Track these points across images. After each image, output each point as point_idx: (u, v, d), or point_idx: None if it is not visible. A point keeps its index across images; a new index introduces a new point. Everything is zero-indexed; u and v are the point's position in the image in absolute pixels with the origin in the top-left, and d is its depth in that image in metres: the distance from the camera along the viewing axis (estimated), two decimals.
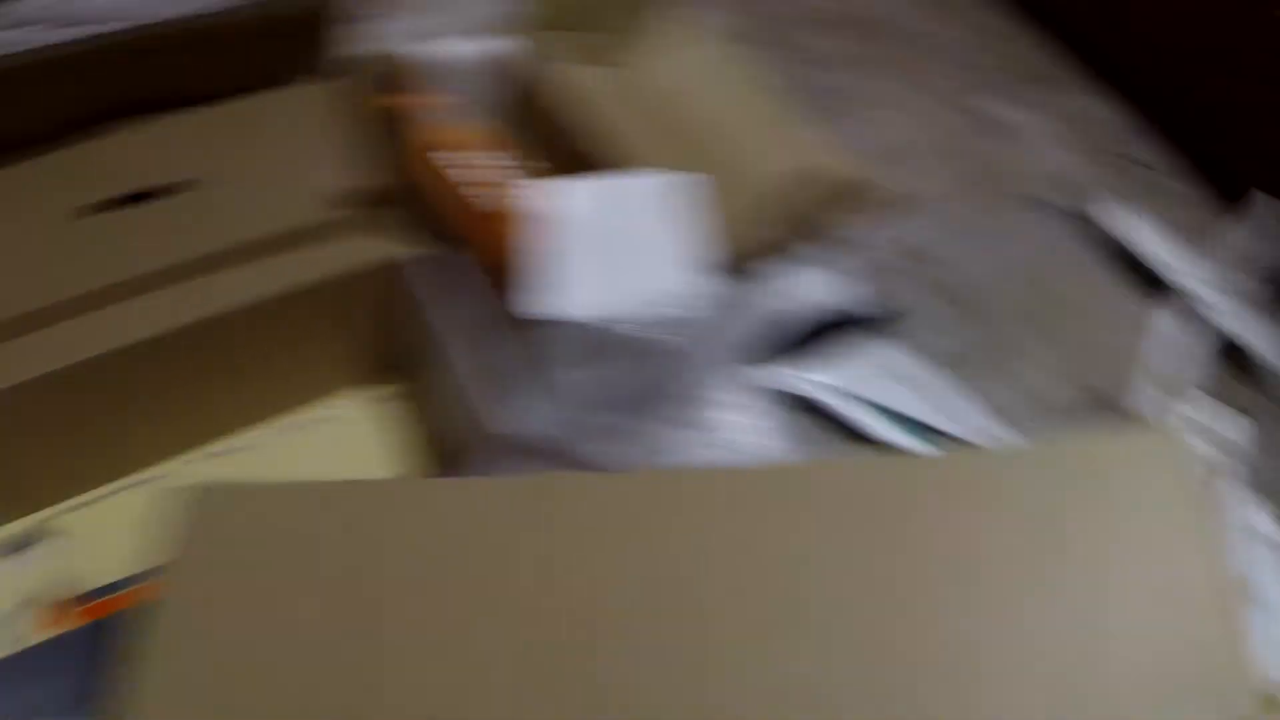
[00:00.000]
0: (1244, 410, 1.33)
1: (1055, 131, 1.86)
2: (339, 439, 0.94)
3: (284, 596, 0.42)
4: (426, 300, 0.82)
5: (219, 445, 0.93)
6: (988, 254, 1.44)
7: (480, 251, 0.90)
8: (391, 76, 1.13)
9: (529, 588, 0.42)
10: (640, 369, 0.82)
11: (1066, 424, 1.24)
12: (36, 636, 0.80)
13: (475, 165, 0.95)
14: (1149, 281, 1.55)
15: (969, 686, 0.42)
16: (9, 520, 0.87)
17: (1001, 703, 0.42)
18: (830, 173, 1.03)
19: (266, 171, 0.89)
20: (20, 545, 0.86)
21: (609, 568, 0.43)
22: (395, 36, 1.40)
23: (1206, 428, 1.28)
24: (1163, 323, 1.45)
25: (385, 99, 1.03)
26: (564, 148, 1.13)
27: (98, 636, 0.68)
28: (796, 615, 0.43)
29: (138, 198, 0.85)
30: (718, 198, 1.00)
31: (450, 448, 0.91)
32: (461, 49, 1.13)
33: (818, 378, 1.04)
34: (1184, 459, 0.52)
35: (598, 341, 0.80)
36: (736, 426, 0.88)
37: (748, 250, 0.99)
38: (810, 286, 1.13)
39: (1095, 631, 0.45)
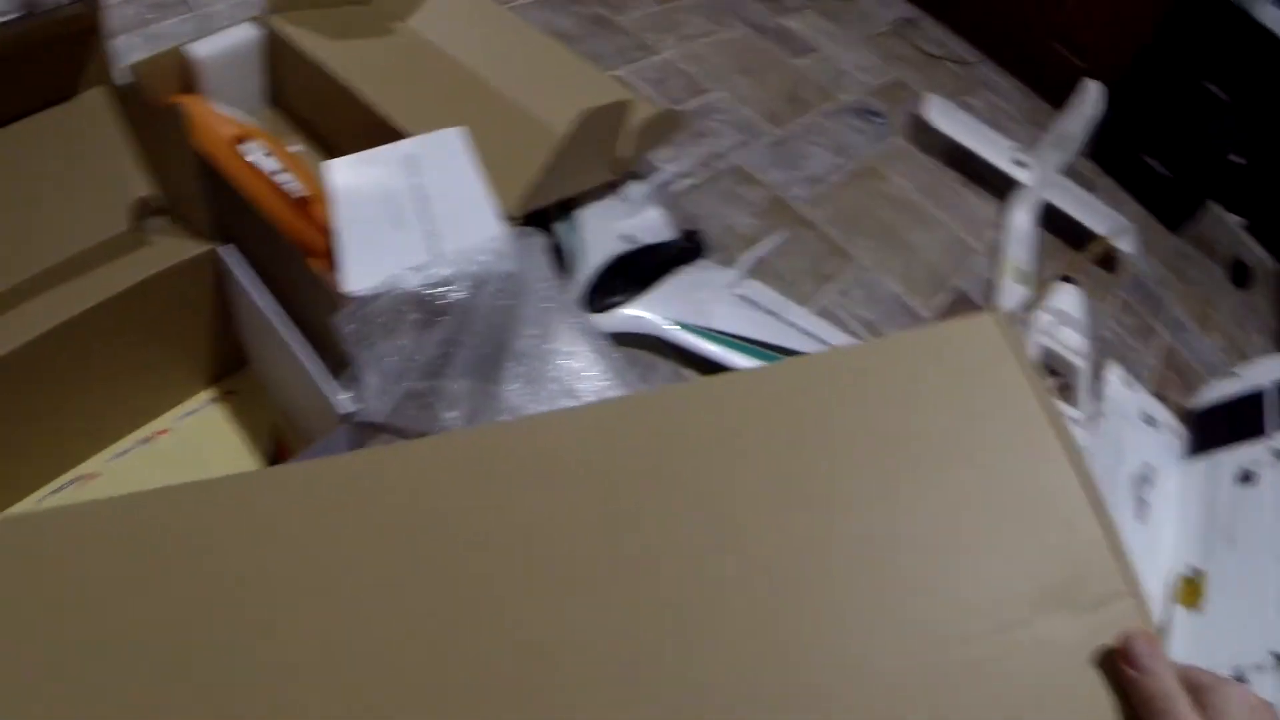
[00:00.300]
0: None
1: (866, 39, 1.92)
2: (189, 446, 0.92)
3: (101, 613, 0.41)
4: (252, 289, 0.80)
5: (65, 478, 0.90)
6: (809, 164, 1.48)
7: (298, 237, 0.89)
8: (168, 77, 1.10)
9: (377, 565, 0.41)
10: (464, 330, 0.83)
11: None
12: None
13: (271, 154, 0.94)
14: (981, 175, 1.61)
15: (824, 614, 0.42)
16: None
17: (863, 627, 0.42)
18: (619, 108, 1.04)
19: (63, 190, 0.86)
20: None
21: (458, 534, 0.42)
22: (175, 37, 1.37)
23: (1066, 313, 1.34)
24: (1011, 215, 1.51)
25: (167, 100, 1.01)
26: (337, 123, 1.12)
27: None
28: (645, 554, 0.42)
29: None
30: (511, 147, 1.01)
31: (299, 433, 0.91)
32: (222, 42, 1.12)
33: (646, 313, 1.05)
34: (1013, 339, 0.52)
35: (416, 309, 0.80)
36: (573, 372, 0.89)
37: (545, 197, 1.00)
38: (627, 222, 1.15)
39: (952, 542, 0.45)
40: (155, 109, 0.85)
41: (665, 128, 1.15)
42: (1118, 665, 0.42)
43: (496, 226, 0.86)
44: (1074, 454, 0.47)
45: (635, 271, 1.08)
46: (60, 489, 0.89)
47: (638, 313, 1.05)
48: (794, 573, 0.42)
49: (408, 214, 0.86)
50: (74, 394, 0.84)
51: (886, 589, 0.43)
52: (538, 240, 0.87)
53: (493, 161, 0.92)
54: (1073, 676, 0.42)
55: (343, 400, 0.73)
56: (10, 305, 0.79)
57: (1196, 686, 0.42)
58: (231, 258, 0.81)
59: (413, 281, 0.79)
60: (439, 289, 0.80)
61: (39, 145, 0.88)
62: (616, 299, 1.05)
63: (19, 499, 0.88)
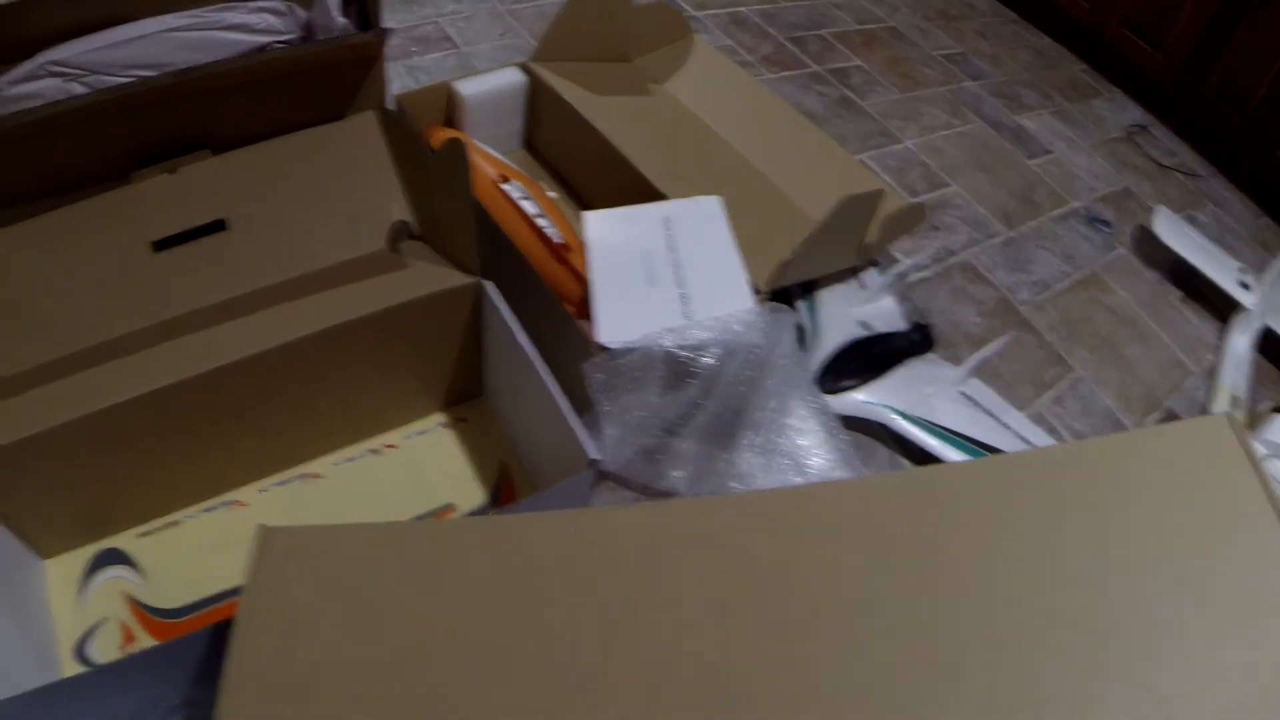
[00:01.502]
0: None
1: (1099, 144, 1.87)
2: (414, 464, 0.94)
3: (349, 635, 0.42)
4: (513, 327, 0.82)
5: (291, 473, 0.94)
6: (1037, 268, 1.45)
7: (553, 281, 0.91)
8: (433, 109, 1.15)
9: (610, 618, 0.42)
10: (708, 395, 0.83)
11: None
12: (112, 655, 0.82)
13: (530, 197, 0.97)
14: (1204, 293, 1.55)
15: (1067, 692, 0.41)
16: (87, 543, 0.89)
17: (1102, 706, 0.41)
18: (874, 197, 1.04)
19: (326, 204, 0.91)
20: (97, 566, 0.88)
21: (688, 598, 0.43)
22: (436, 72, 1.43)
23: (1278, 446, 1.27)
24: (1230, 338, 1.45)
25: (433, 131, 1.05)
26: (591, 174, 1.15)
27: (172, 655, 0.70)
28: (900, 619, 0.42)
29: (202, 231, 0.87)
30: (764, 222, 1.01)
31: (528, 470, 0.92)
32: (489, 83, 1.16)
33: (875, 400, 1.04)
34: (1246, 442, 0.51)
35: (666, 368, 0.80)
36: (804, 449, 0.88)
37: (794, 275, 1.00)
38: (863, 308, 1.14)
39: (1185, 634, 0.44)
40: (419, 138, 0.88)
41: (910, 221, 1.14)
42: None
43: (747, 298, 0.86)
44: None
45: (868, 358, 1.07)
46: (285, 482, 0.93)
47: (867, 399, 1.04)
48: (1038, 649, 0.43)
49: (662, 274, 0.87)
50: (317, 396, 0.88)
51: (1123, 672, 0.42)
52: (786, 317, 0.86)
53: (744, 234, 0.92)
54: None
55: (592, 446, 0.74)
56: (269, 303, 0.84)
57: None
58: (494, 293, 0.83)
59: (667, 341, 0.80)
60: (692, 353, 0.80)
61: (309, 157, 0.92)
62: (848, 382, 1.05)
63: (244, 484, 0.93)
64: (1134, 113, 2.05)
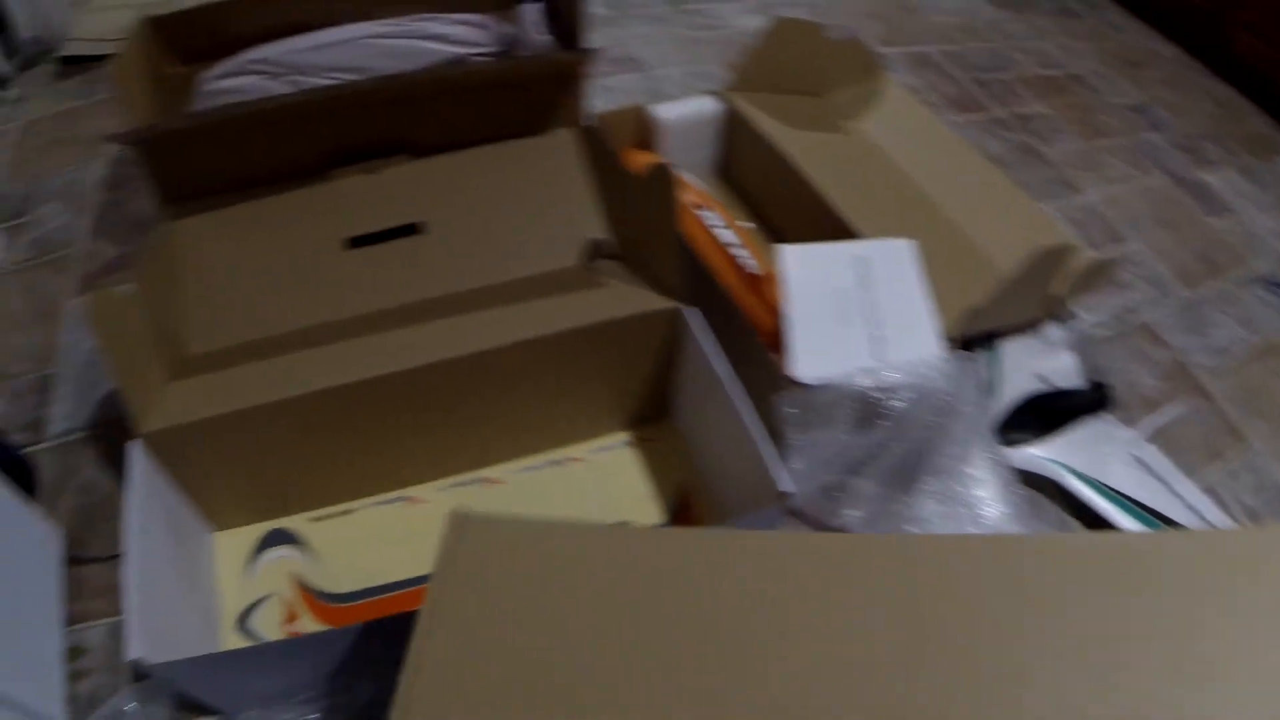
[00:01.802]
0: None
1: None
2: (596, 480, 0.96)
3: (536, 627, 0.43)
4: (712, 355, 0.84)
5: (470, 476, 0.97)
6: (1215, 333, 1.41)
7: (748, 312, 0.93)
8: (628, 131, 1.18)
9: (778, 644, 0.42)
10: (895, 438, 0.84)
11: None
12: (273, 630, 0.86)
13: (727, 226, 0.99)
14: None
15: None
16: (259, 520, 0.94)
17: None
18: (1065, 251, 1.03)
19: (522, 216, 0.94)
20: (268, 545, 0.93)
21: (854, 629, 0.43)
22: (625, 93, 1.47)
23: None
24: None
25: (627, 154, 1.08)
26: (784, 207, 1.16)
27: (330, 641, 0.74)
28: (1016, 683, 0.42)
29: (397, 232, 0.91)
30: (953, 269, 1.01)
31: (711, 496, 0.94)
32: (685, 109, 1.18)
33: (1050, 457, 1.03)
34: None
35: (857, 408, 0.81)
36: (980, 500, 0.88)
37: (980, 324, 1.00)
38: (1042, 362, 1.13)
39: None
40: (618, 157, 0.90)
41: (1096, 277, 1.13)
42: None
43: (936, 344, 0.87)
44: None
45: (1045, 413, 1.07)
46: (463, 484, 0.96)
47: (1042, 454, 1.04)
48: None
49: (854, 313, 0.88)
50: (505, 404, 0.91)
51: None
52: (974, 366, 0.87)
53: (931, 279, 0.93)
54: None
55: (784, 478, 0.75)
56: (462, 309, 0.87)
57: None
58: (695, 319, 0.85)
59: (862, 381, 0.81)
60: (885, 394, 0.81)
61: (506, 169, 0.95)
62: (1023, 436, 1.04)
63: (423, 481, 0.96)
64: None
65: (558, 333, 0.85)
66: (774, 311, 0.91)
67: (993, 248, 1.08)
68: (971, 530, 0.88)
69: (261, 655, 0.76)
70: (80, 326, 1.20)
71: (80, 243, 1.33)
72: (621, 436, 0.99)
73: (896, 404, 0.82)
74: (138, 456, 0.78)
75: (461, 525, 0.49)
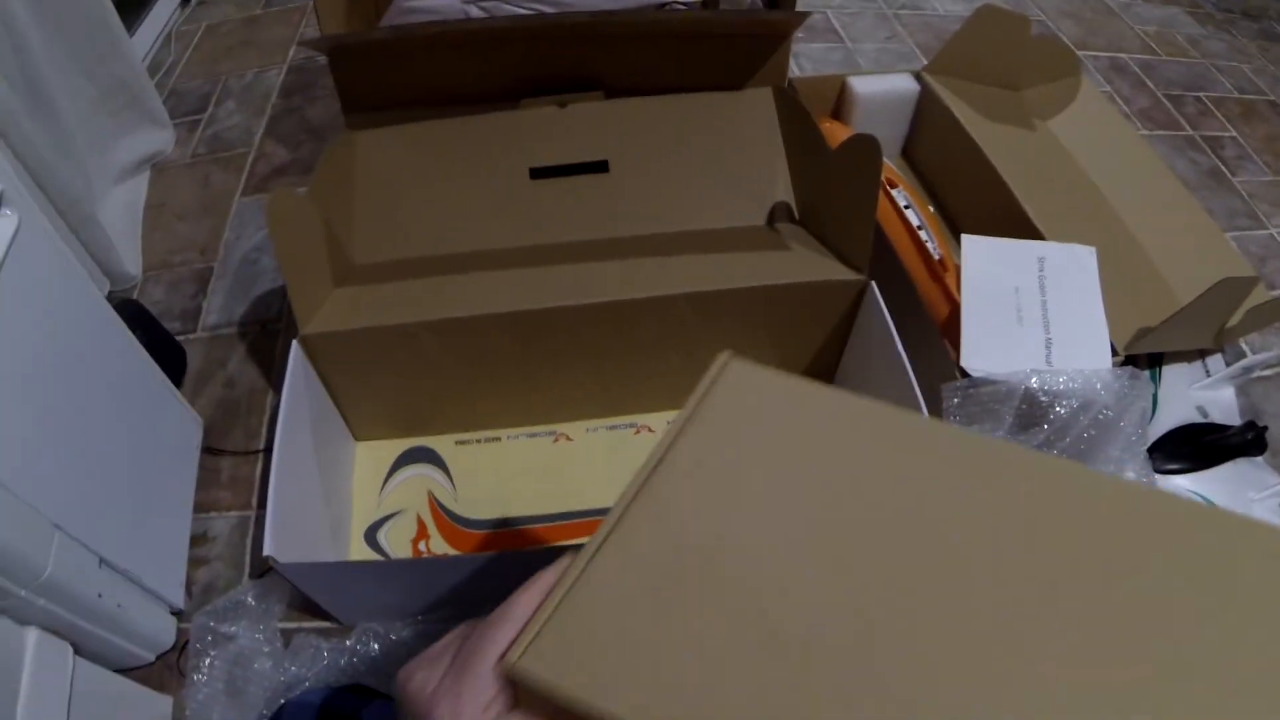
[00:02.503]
0: None
1: None
2: None
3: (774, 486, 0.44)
4: (893, 333, 0.83)
5: (623, 420, 0.99)
6: None
7: (925, 296, 0.92)
8: (823, 99, 1.18)
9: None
10: (1051, 444, 0.84)
11: None
12: (402, 546, 0.90)
13: (913, 207, 0.99)
14: None
15: None
16: (402, 436, 0.97)
17: None
18: (1247, 285, 1.01)
19: (710, 169, 0.94)
20: (408, 461, 0.96)
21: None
22: (820, 61, 1.47)
23: None
24: None
25: (822, 121, 1.08)
26: (966, 196, 1.15)
27: (462, 566, 0.76)
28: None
29: (584, 168, 0.92)
30: (1130, 285, 1.00)
31: None
32: (883, 84, 1.17)
33: (1199, 493, 1.02)
34: None
35: (1021, 407, 0.81)
36: None
37: (1150, 345, 0.99)
38: (1202, 393, 1.11)
39: None
40: (815, 125, 0.90)
41: (1271, 315, 1.10)
42: None
43: (1107, 357, 0.86)
44: None
45: (1199, 445, 1.04)
46: (615, 428, 0.99)
47: (1190, 488, 1.02)
48: None
49: (1029, 314, 0.87)
50: (672, 354, 0.91)
51: None
52: (1145, 387, 0.86)
53: (1109, 292, 0.91)
54: None
55: None
56: (642, 252, 0.87)
57: None
58: (878, 296, 0.85)
59: (1031, 382, 0.81)
60: (1051, 398, 0.81)
61: (700, 120, 0.95)
62: (1174, 466, 1.02)
63: (574, 419, 0.99)
64: None
65: (740, 289, 0.85)
66: (950, 299, 0.91)
67: (1172, 269, 1.06)
68: None
69: (387, 571, 0.79)
70: (244, 225, 1.26)
71: (254, 144, 1.40)
72: None
73: (1060, 410, 0.82)
74: (296, 356, 0.80)
75: (726, 364, 0.50)
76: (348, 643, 0.79)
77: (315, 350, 0.82)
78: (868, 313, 0.87)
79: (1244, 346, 1.25)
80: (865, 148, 0.80)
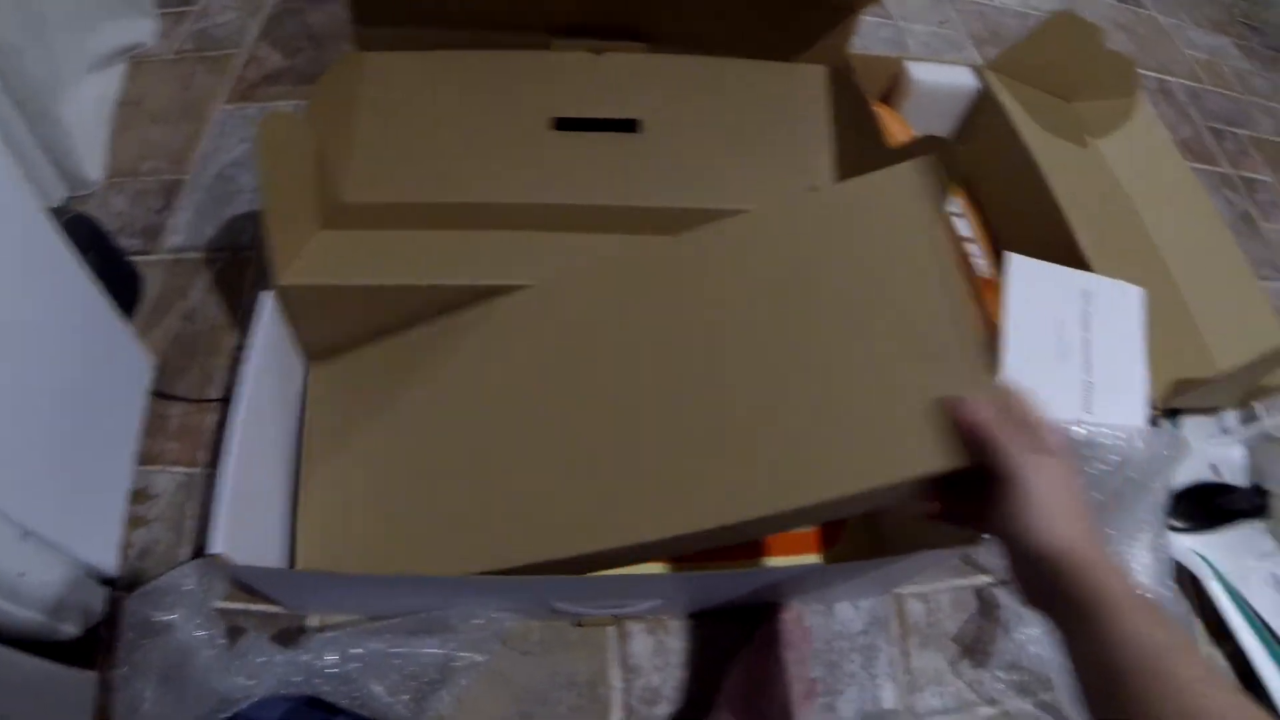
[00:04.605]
0: None
1: None
2: None
3: None
4: None
5: None
6: None
7: None
8: (875, 79, 1.11)
9: None
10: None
11: None
12: None
13: (965, 215, 0.93)
14: None
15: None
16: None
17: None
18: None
19: (748, 142, 0.87)
20: None
21: None
22: (868, 39, 1.40)
23: None
24: None
25: (875, 106, 1.01)
26: (1010, 207, 1.09)
27: (426, 585, 0.71)
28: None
29: (612, 125, 0.84)
30: (1166, 335, 0.95)
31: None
32: (942, 75, 1.11)
33: (1203, 555, 0.99)
34: None
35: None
36: (1135, 568, 0.84)
37: (1184, 401, 0.94)
38: (1215, 450, 1.07)
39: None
40: (871, 112, 0.83)
41: None
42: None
43: (1143, 411, 0.81)
44: None
45: (1208, 506, 1.02)
46: None
47: (1194, 548, 0.99)
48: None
49: (1071, 349, 0.82)
50: None
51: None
52: (1180, 450, 0.81)
53: (1149, 340, 0.86)
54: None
55: None
56: (660, 227, 0.78)
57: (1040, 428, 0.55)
58: None
59: (1078, 433, 0.75)
60: (1089, 452, 0.76)
61: (746, 88, 0.88)
62: (1182, 524, 1.00)
63: None
64: None
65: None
66: (992, 323, 0.85)
67: (1208, 320, 1.01)
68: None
69: (343, 581, 0.73)
70: (225, 135, 1.13)
71: (246, 45, 1.26)
72: None
73: (1101, 466, 0.76)
74: (267, 309, 0.71)
75: None
76: (303, 658, 0.70)
77: (291, 303, 0.74)
78: None
79: (1256, 407, 1.22)
80: (931, 154, 0.74)
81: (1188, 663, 0.42)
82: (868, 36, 1.39)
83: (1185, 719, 0.40)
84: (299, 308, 0.74)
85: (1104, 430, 0.76)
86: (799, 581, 0.80)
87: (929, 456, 0.59)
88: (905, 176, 0.71)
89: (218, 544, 0.59)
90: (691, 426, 0.66)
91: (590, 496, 0.67)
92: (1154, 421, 1.03)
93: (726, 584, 0.78)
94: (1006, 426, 0.54)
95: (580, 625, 0.82)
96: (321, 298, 0.74)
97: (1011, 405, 0.57)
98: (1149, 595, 0.52)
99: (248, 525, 0.66)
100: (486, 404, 0.75)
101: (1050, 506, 0.51)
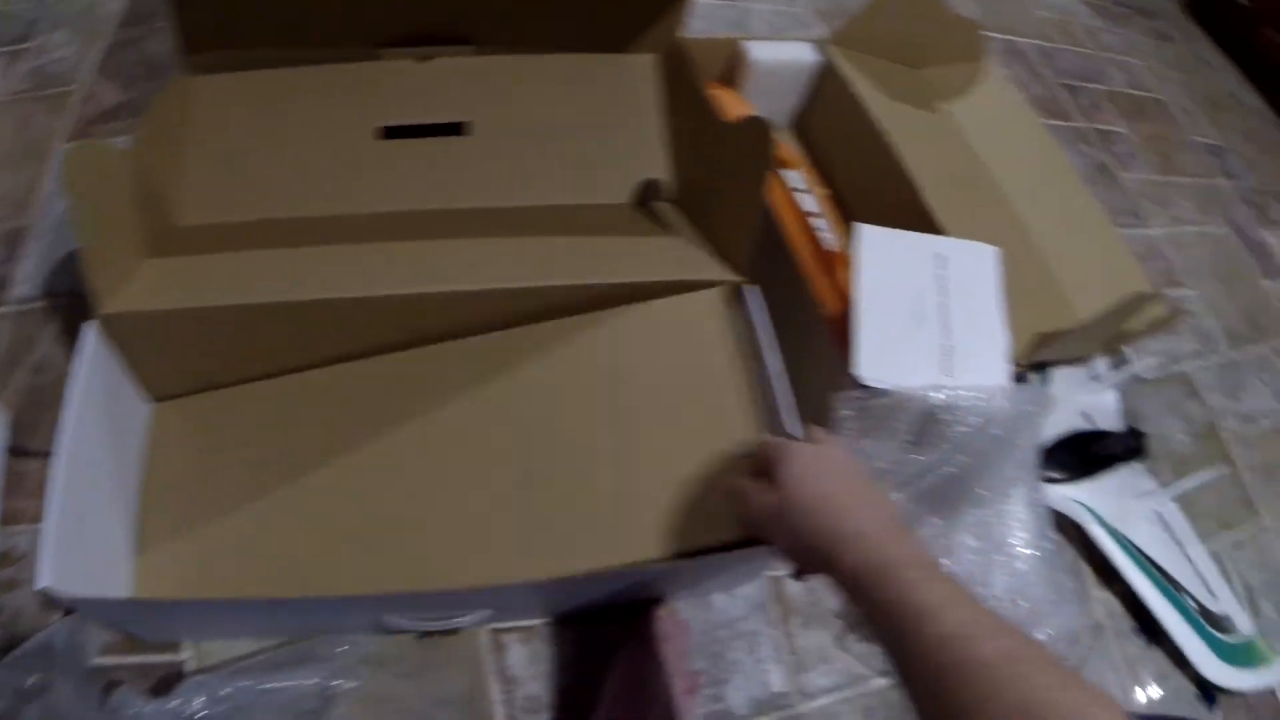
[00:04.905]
0: None
1: None
2: None
3: None
4: (765, 348, 0.77)
5: None
6: (1249, 399, 1.37)
7: (816, 291, 0.86)
8: (712, 63, 1.10)
9: None
10: (947, 463, 0.79)
11: None
12: None
13: (810, 191, 0.92)
14: None
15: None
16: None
17: None
18: (1147, 300, 0.98)
19: (579, 137, 0.86)
20: None
21: None
22: (710, 20, 1.39)
23: None
24: None
25: (711, 87, 1.00)
26: (860, 178, 1.09)
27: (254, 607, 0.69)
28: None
29: (439, 130, 0.83)
30: (1027, 290, 0.95)
31: None
32: (781, 52, 1.10)
33: (1083, 502, 0.99)
34: None
35: (919, 423, 0.76)
36: (1013, 546, 0.84)
37: (1047, 354, 0.95)
38: (1087, 398, 1.08)
39: None
40: (704, 97, 0.82)
41: (1162, 324, 1.07)
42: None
43: (1005, 368, 0.81)
44: None
45: (1084, 454, 1.03)
46: None
47: (1074, 497, 0.99)
48: None
49: (927, 316, 0.82)
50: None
51: None
52: (1046, 405, 0.81)
53: (1009, 297, 0.87)
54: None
55: None
56: (488, 229, 0.77)
57: (768, 462, 0.57)
58: (755, 303, 0.78)
59: (931, 398, 0.75)
60: (953, 415, 0.76)
61: (575, 83, 0.87)
62: (1059, 474, 1.01)
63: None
64: None
65: (597, 284, 0.76)
66: (843, 296, 0.85)
67: (1069, 273, 1.02)
68: (999, 572, 0.83)
69: (184, 608, 0.70)
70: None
71: (83, 80, 1.20)
72: None
73: (961, 429, 0.76)
74: (89, 343, 0.67)
75: None
76: (173, 704, 0.68)
77: (118, 333, 0.70)
78: (741, 318, 0.80)
79: (1125, 351, 1.24)
80: (756, 132, 0.73)
81: (942, 618, 0.44)
82: (711, 19, 1.38)
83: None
84: (129, 340, 0.71)
85: (963, 393, 0.76)
86: (647, 582, 0.79)
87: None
88: (710, 301, 0.79)
89: (47, 576, 0.55)
90: (506, 495, 0.72)
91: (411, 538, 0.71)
92: (1022, 378, 1.04)
93: (557, 590, 0.76)
94: (753, 486, 0.58)
95: (451, 634, 0.81)
96: (150, 326, 0.69)
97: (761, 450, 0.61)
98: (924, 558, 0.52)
99: (86, 563, 0.63)
100: (329, 453, 0.75)
101: (800, 519, 0.54)
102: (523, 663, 0.82)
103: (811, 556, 0.53)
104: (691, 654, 0.82)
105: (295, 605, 0.68)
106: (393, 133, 0.82)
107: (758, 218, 0.76)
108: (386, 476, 0.74)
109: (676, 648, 0.78)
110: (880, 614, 0.46)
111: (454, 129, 0.83)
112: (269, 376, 0.78)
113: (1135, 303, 0.93)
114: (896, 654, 0.45)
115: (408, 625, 0.76)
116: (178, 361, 0.75)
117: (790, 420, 0.72)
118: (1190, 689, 0.99)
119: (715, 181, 0.80)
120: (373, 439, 0.75)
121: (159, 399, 0.78)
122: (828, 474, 0.57)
